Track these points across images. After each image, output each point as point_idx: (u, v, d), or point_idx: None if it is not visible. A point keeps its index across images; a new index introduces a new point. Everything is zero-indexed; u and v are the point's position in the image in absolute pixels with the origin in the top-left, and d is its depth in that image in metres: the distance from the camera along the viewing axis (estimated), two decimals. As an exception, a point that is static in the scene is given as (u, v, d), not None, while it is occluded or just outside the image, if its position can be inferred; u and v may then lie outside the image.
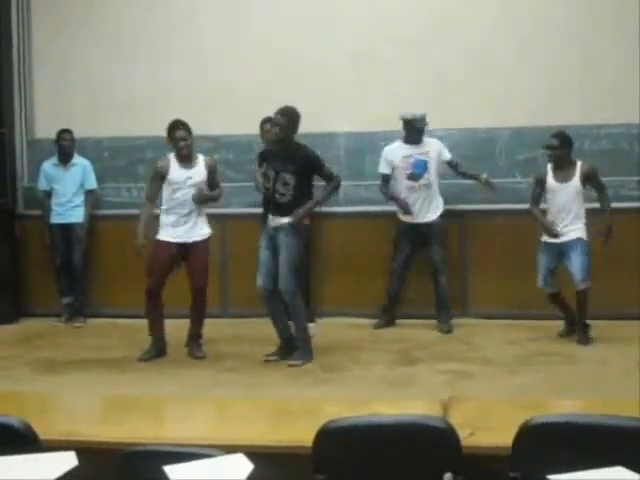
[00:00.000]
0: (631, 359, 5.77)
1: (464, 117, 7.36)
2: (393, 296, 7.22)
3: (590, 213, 6.49)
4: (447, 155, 7.11)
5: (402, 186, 7.06)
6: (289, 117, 5.99)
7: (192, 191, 6.24)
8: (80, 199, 7.78)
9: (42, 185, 7.84)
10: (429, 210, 7.08)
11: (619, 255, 6.94)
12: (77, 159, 7.80)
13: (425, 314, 7.17)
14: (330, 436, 3.08)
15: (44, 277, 7.90)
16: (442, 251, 7.12)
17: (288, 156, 6.00)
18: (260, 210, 6.36)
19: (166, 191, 6.28)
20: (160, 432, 4.27)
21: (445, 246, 7.17)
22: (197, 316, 6.41)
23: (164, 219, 6.30)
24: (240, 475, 2.43)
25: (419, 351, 6.42)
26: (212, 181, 6.38)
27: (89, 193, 7.84)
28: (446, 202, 7.19)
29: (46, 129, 7.95)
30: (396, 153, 7.07)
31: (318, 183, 6.22)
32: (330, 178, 6.13)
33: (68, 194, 7.75)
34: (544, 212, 6.57)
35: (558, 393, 5.20)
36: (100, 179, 7.90)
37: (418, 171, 7.02)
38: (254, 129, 7.15)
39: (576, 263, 6.37)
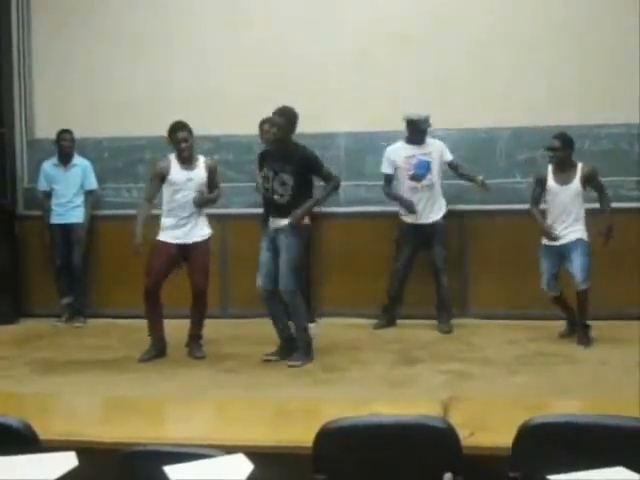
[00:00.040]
0: (631, 359, 5.76)
1: (464, 117, 7.36)
2: (394, 296, 7.21)
3: (590, 213, 6.49)
4: (448, 156, 7.11)
5: (404, 187, 7.05)
6: (287, 117, 5.99)
7: (192, 193, 6.23)
8: (80, 199, 7.78)
9: (42, 185, 7.84)
10: (432, 211, 7.08)
11: (619, 255, 6.94)
12: (77, 159, 7.80)
13: (425, 314, 7.17)
14: (330, 436, 3.09)
15: (44, 277, 7.90)
16: (444, 251, 7.12)
17: (286, 156, 6.00)
18: (261, 211, 6.36)
19: (166, 193, 6.28)
20: (160, 432, 4.27)
21: (446, 246, 7.17)
22: (197, 316, 6.41)
23: (164, 221, 6.29)
24: (240, 475, 2.43)
25: (419, 351, 6.42)
26: (212, 182, 6.37)
27: (89, 193, 7.84)
28: (446, 202, 7.18)
29: (46, 129, 7.95)
30: (399, 153, 7.06)
31: (318, 183, 6.22)
32: (329, 178, 6.12)
33: (68, 194, 7.74)
34: (544, 213, 6.56)
35: (558, 393, 5.20)
36: (100, 179, 7.90)
37: (421, 172, 7.01)
38: (254, 129, 7.15)
39: (576, 264, 6.37)
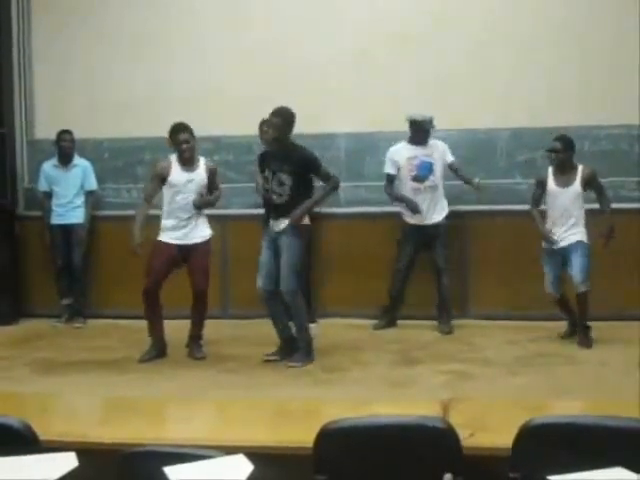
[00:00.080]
0: (631, 360, 5.75)
1: (464, 118, 7.36)
2: (395, 296, 7.20)
3: (590, 214, 6.49)
4: (449, 158, 7.09)
5: (407, 187, 7.04)
6: (284, 117, 5.99)
7: (192, 195, 6.23)
8: (80, 200, 7.78)
9: (42, 186, 7.83)
10: (435, 212, 7.06)
11: (619, 256, 6.94)
12: (77, 160, 7.79)
13: (425, 315, 7.17)
14: (330, 437, 3.08)
15: (44, 278, 7.91)
16: (446, 252, 7.11)
17: (285, 156, 6.00)
18: (261, 212, 6.36)
19: (167, 194, 6.28)
20: (160, 433, 4.27)
21: (447, 247, 7.16)
22: (197, 317, 6.41)
23: (165, 223, 6.29)
24: (240, 476, 2.43)
25: (419, 352, 6.42)
26: (212, 184, 6.37)
27: (89, 194, 7.83)
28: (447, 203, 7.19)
29: (46, 129, 7.95)
30: (401, 154, 7.04)
31: (318, 184, 6.21)
32: (327, 178, 6.11)
33: (69, 195, 7.74)
34: (544, 214, 6.56)
35: (558, 394, 5.20)
36: (100, 180, 7.90)
37: (423, 173, 7.00)
38: (254, 130, 7.15)
39: (576, 266, 6.37)
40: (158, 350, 6.33)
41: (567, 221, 6.44)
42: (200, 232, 6.32)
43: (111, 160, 8.02)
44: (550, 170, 6.52)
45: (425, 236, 7.05)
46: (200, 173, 6.30)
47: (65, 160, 7.75)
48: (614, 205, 6.56)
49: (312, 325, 6.54)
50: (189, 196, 6.23)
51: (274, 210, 6.06)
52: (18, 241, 8.10)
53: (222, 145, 7.78)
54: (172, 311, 6.44)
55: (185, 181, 6.23)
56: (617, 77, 7.27)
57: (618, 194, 7.14)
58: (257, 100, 7.17)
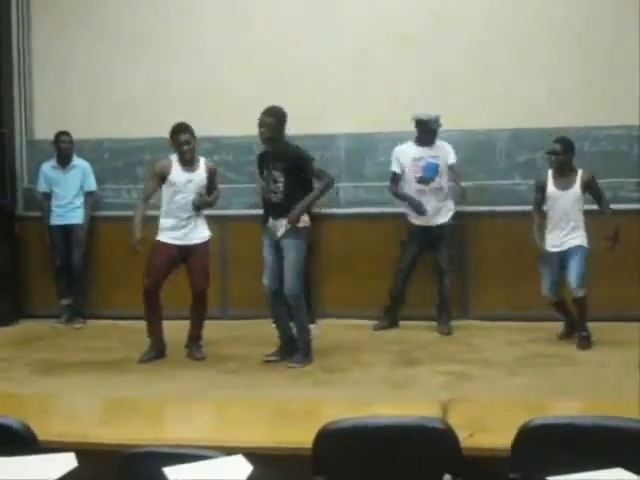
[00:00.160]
0: (631, 361, 5.75)
1: (464, 118, 7.34)
2: (396, 296, 7.19)
3: (590, 215, 6.49)
4: (451, 159, 7.03)
5: (412, 189, 7.00)
6: (277, 116, 5.99)
7: (192, 195, 6.23)
8: (80, 201, 7.77)
9: (41, 187, 7.83)
10: (440, 213, 7.04)
11: (619, 257, 6.93)
12: (77, 161, 7.79)
13: (425, 316, 7.16)
14: (330, 437, 3.08)
15: (44, 278, 7.90)
16: (448, 253, 7.10)
17: (278, 155, 6.02)
18: (261, 212, 6.35)
19: (166, 193, 6.27)
20: (160, 434, 4.27)
21: (449, 247, 7.16)
22: (197, 318, 6.41)
23: (163, 222, 6.29)
24: (240, 476, 2.43)
25: (419, 352, 6.41)
26: (211, 184, 6.37)
27: (89, 195, 7.83)
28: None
29: (46, 130, 7.94)
30: (406, 154, 7.00)
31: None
32: (321, 176, 6.07)
33: (68, 196, 7.74)
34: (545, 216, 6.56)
35: (558, 395, 5.20)
36: (100, 180, 7.90)
37: (429, 175, 6.97)
38: (254, 130, 7.08)
39: (573, 271, 6.36)
40: (157, 351, 6.32)
41: (567, 224, 6.43)
42: (199, 233, 6.32)
43: (111, 160, 8.02)
44: (550, 173, 6.51)
45: (430, 237, 7.04)
46: (200, 173, 6.30)
47: (64, 161, 7.74)
48: (613, 206, 6.56)
49: (312, 326, 6.53)
50: (188, 195, 6.23)
51: (272, 209, 6.06)
52: (18, 241, 8.10)
53: (222, 145, 7.78)
54: (171, 312, 6.43)
55: (185, 181, 6.23)
56: (617, 77, 7.26)
57: (617, 195, 7.13)
58: (257, 100, 7.11)
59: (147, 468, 2.68)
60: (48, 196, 7.79)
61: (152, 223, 6.28)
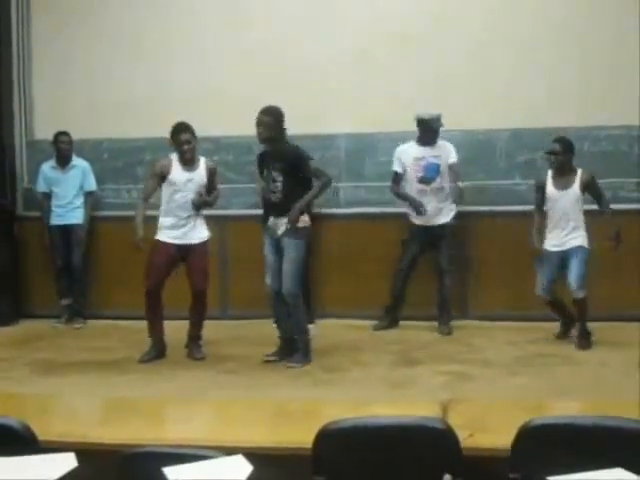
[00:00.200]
0: (631, 361, 5.75)
1: (463, 118, 7.34)
2: (397, 295, 7.18)
3: (591, 215, 6.48)
4: (452, 159, 7.02)
5: (413, 188, 7.00)
6: (274, 116, 5.99)
7: (191, 194, 6.23)
8: (80, 201, 7.77)
9: (41, 187, 7.83)
10: (441, 213, 7.03)
11: (619, 257, 6.92)
12: (76, 161, 7.79)
13: (425, 316, 7.16)
14: (330, 437, 3.08)
15: (44, 278, 7.90)
16: (450, 253, 7.10)
17: (277, 154, 6.02)
18: (261, 212, 6.35)
19: (166, 193, 6.27)
20: (160, 434, 4.27)
21: (450, 247, 7.16)
22: (197, 318, 6.41)
23: (163, 221, 6.29)
24: (240, 476, 2.43)
25: (419, 352, 6.41)
26: (211, 184, 6.37)
27: (89, 195, 7.83)
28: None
29: (46, 130, 7.93)
30: (408, 153, 7.00)
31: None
32: (318, 175, 6.06)
33: (68, 196, 7.74)
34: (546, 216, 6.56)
35: (558, 395, 5.20)
36: (100, 180, 7.90)
37: (430, 175, 6.96)
38: (254, 130, 7.09)
39: (573, 272, 6.35)
40: (158, 351, 6.33)
41: (567, 224, 6.43)
42: (198, 234, 6.32)
43: (111, 160, 8.01)
44: (549, 173, 6.51)
45: (432, 237, 7.03)
46: (200, 173, 6.30)
47: (63, 161, 7.74)
48: (613, 206, 6.55)
49: (311, 326, 6.54)
50: (188, 195, 6.23)
51: (272, 209, 6.07)
52: (18, 241, 8.10)
53: (222, 145, 7.78)
54: (171, 311, 6.43)
55: (185, 180, 6.23)
56: (617, 77, 7.26)
57: (617, 195, 7.13)
58: (257, 100, 7.11)
59: (147, 468, 2.68)
60: (48, 196, 7.79)
61: (152, 223, 6.28)
